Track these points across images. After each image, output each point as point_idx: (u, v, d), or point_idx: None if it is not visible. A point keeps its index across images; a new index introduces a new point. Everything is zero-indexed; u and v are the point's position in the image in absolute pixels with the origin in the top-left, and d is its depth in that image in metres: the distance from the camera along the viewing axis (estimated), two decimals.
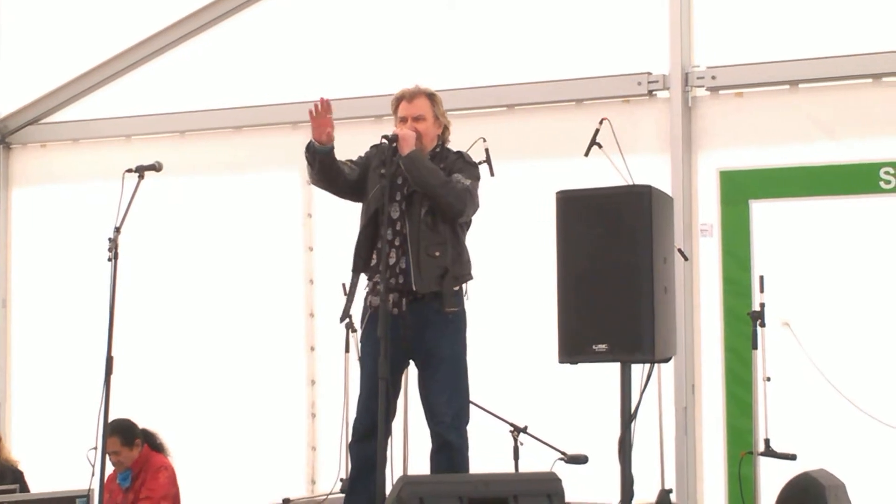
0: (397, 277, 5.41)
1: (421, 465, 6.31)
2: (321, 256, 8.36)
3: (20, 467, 7.62)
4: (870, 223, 7.09)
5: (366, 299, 5.57)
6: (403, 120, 5.59)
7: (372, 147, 5.68)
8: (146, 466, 7.07)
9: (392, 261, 5.42)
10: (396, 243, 5.44)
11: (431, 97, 5.62)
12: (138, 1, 8.94)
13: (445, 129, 5.67)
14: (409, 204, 5.45)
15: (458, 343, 5.50)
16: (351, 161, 5.65)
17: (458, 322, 5.48)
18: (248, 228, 8.60)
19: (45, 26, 9.22)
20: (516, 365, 7.44)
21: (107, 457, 6.03)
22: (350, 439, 5.55)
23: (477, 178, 5.58)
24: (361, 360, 5.60)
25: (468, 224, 5.61)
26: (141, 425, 7.18)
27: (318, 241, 8.40)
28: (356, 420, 5.50)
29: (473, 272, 5.59)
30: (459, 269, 5.48)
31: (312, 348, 8.40)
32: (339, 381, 7.35)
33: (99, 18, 9.03)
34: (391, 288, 5.38)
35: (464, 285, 5.52)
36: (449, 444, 5.37)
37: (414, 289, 5.37)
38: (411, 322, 5.39)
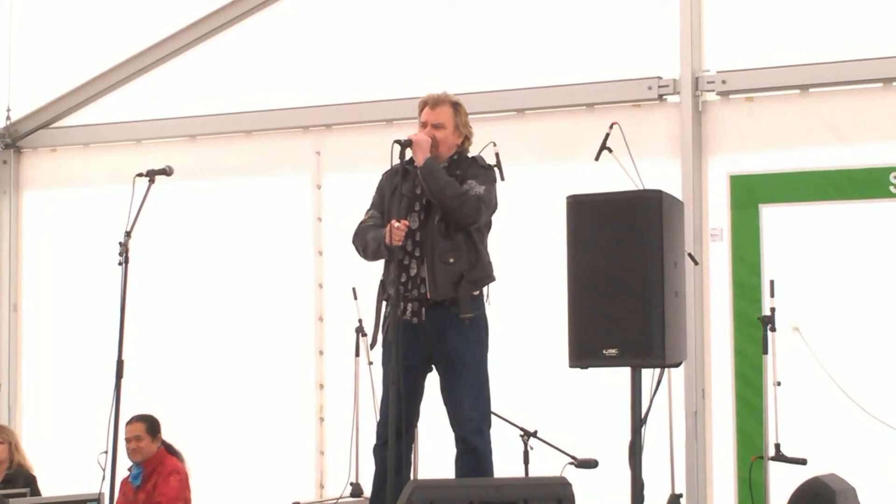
0: (418, 288, 5.41)
1: (431, 468, 6.33)
2: (331, 260, 8.35)
3: (34, 472, 7.64)
4: (880, 228, 7.08)
5: (385, 308, 5.55)
6: (424, 125, 5.60)
7: (383, 175, 5.68)
8: (159, 468, 7.12)
9: (413, 272, 5.43)
10: (417, 254, 5.44)
11: (455, 106, 5.61)
12: (148, 5, 8.95)
13: (466, 138, 5.66)
14: (426, 213, 5.46)
15: (479, 348, 5.49)
16: (374, 213, 5.64)
17: (477, 327, 5.47)
18: (258, 232, 8.60)
19: (56, 31, 9.23)
20: (526, 369, 7.43)
21: (117, 453, 6.03)
22: (375, 443, 5.54)
23: (493, 181, 5.57)
24: (383, 365, 5.59)
25: (489, 225, 5.61)
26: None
27: (327, 245, 8.39)
28: (379, 424, 5.52)
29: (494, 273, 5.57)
30: (477, 273, 5.46)
31: (321, 352, 8.39)
32: (348, 384, 7.33)
33: (109, 23, 9.04)
34: (412, 298, 5.39)
35: (485, 289, 5.50)
36: (475, 449, 5.38)
37: (429, 296, 5.37)
38: (430, 329, 5.40)
